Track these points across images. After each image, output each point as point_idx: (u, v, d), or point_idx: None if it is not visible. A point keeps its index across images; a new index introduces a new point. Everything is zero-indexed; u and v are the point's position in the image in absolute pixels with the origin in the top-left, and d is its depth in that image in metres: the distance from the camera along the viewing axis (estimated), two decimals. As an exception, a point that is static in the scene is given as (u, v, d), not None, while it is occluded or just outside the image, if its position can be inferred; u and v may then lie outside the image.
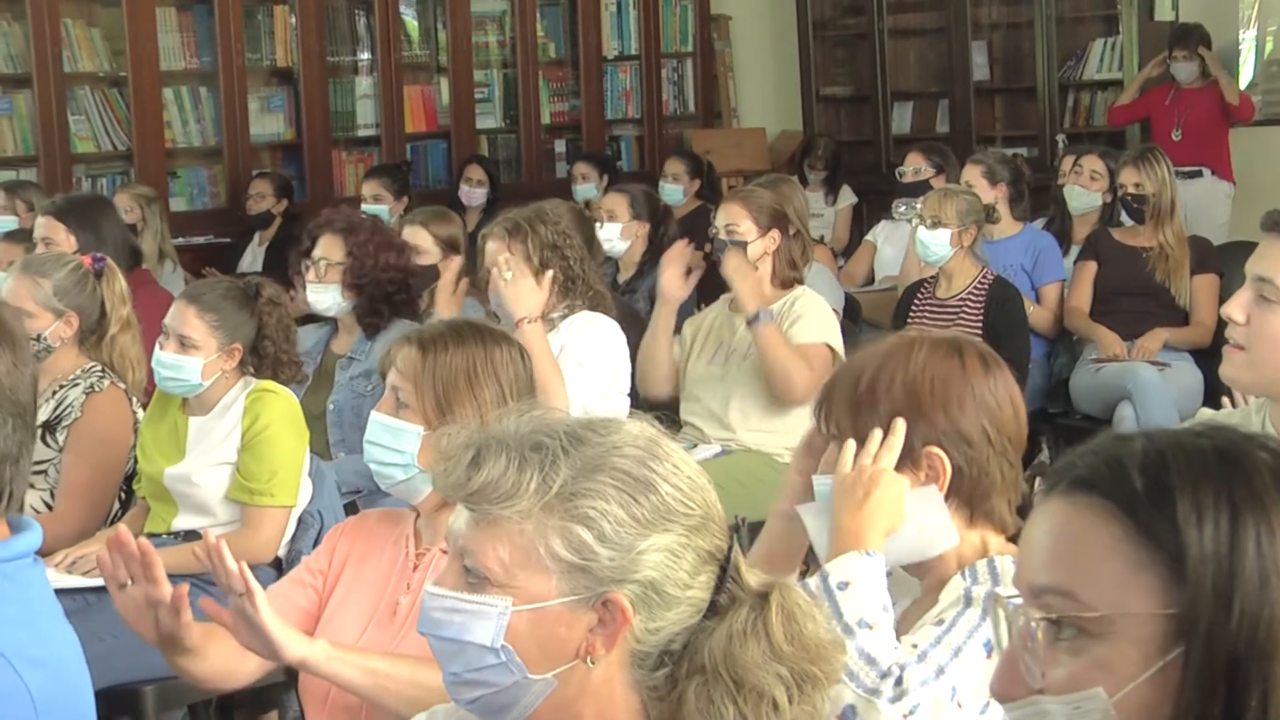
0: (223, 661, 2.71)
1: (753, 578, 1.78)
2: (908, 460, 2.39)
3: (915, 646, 2.29)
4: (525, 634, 1.72)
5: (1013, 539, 2.43)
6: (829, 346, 5.05)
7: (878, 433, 2.36)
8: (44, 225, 5.83)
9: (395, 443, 2.87)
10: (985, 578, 2.38)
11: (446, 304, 5.58)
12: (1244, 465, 1.32)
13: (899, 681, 2.22)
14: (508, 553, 1.71)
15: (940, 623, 2.32)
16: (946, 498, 2.40)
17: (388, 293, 5.02)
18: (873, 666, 2.22)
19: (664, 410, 5.39)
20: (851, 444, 2.38)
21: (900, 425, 2.34)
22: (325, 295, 5.04)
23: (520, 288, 4.74)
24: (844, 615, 2.24)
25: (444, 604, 1.74)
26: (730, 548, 1.78)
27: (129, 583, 2.56)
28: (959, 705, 2.25)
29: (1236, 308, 2.82)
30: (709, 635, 1.73)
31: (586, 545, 1.70)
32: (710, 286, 5.80)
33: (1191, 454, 1.33)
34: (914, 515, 2.37)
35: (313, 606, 2.92)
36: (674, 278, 5.26)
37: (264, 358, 4.24)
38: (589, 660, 1.72)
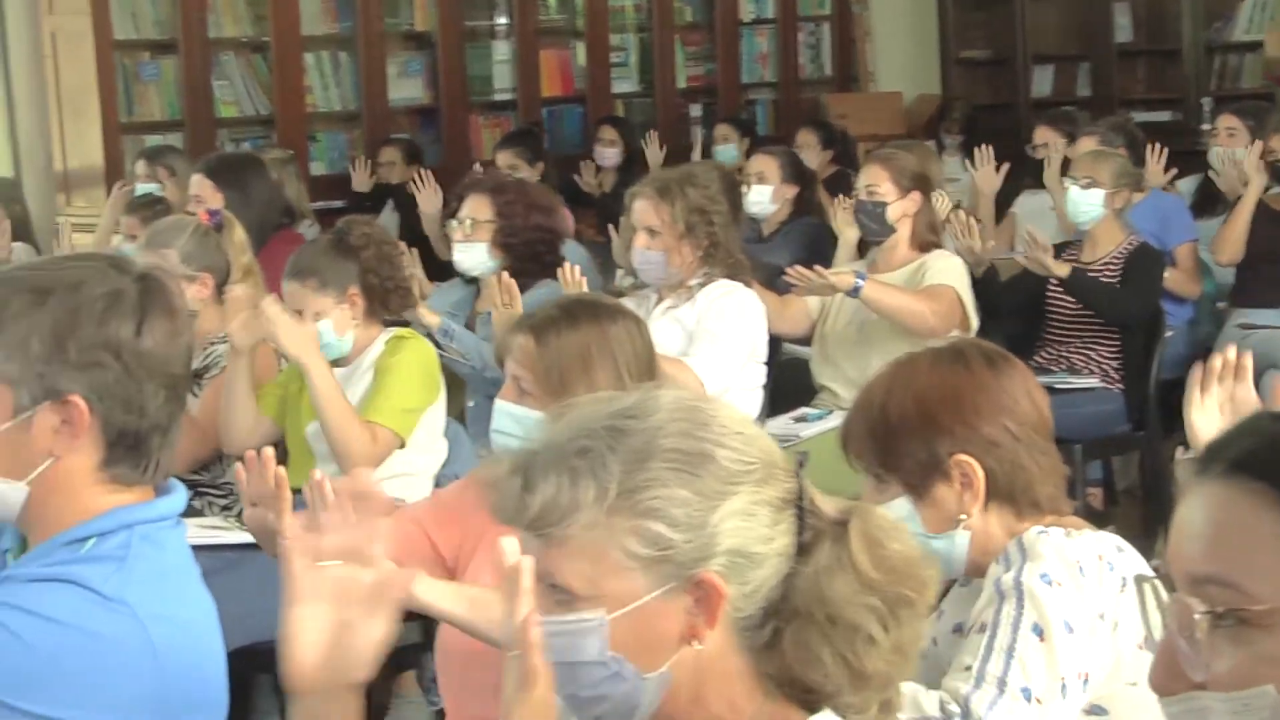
0: None
1: (829, 507, 1.74)
2: (938, 474, 2.38)
3: (969, 669, 2.27)
4: (627, 638, 1.69)
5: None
6: (957, 294, 5.06)
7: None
8: (196, 183, 5.98)
9: (521, 430, 2.87)
10: (1016, 558, 2.37)
11: None
12: None
13: (967, 716, 2.21)
14: (587, 565, 1.68)
15: (982, 629, 2.31)
16: (987, 500, 2.39)
17: (536, 252, 5.04)
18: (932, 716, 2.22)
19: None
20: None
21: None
22: (471, 253, 5.08)
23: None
24: None
25: (545, 630, 1.70)
26: (800, 486, 1.74)
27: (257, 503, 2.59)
28: (1039, 702, 2.24)
29: None
30: (799, 578, 1.71)
31: (661, 536, 1.67)
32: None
33: None
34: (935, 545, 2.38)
35: (431, 559, 2.92)
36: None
37: (372, 292, 4.29)
38: (695, 643, 1.70)
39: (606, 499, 1.67)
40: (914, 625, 1.73)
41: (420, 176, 7.32)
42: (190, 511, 2.16)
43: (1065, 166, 6.71)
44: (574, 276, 4.74)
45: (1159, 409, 5.86)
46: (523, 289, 4.95)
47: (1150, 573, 2.30)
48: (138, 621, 1.98)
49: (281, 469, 2.56)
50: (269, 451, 2.57)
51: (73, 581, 1.97)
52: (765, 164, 6.98)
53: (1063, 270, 5.75)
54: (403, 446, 4.25)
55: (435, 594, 2.62)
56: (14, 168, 8.55)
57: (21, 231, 7.14)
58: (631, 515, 1.67)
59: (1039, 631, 2.29)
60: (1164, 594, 1.34)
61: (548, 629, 1.69)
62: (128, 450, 2.06)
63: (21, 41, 8.52)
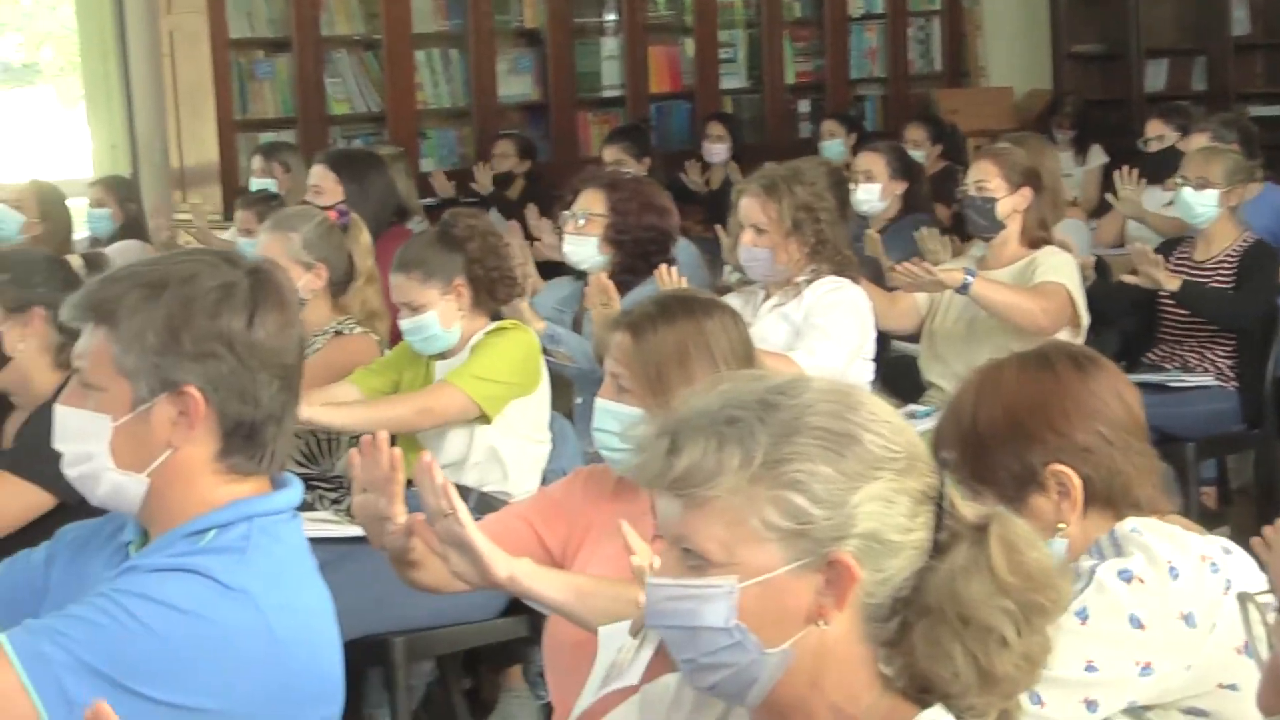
0: (442, 571, 2.73)
1: (970, 511, 1.75)
2: (1033, 485, 2.36)
3: None
4: (755, 609, 1.69)
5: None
6: (1068, 292, 5.01)
7: None
8: (316, 174, 6.03)
9: (621, 427, 2.88)
10: (1109, 551, 2.35)
11: None
12: None
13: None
14: (723, 531, 1.69)
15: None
16: (1085, 507, 2.36)
17: (646, 251, 5.05)
18: None
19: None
20: None
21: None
22: (582, 247, 5.10)
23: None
24: None
25: (669, 593, 1.73)
26: (942, 484, 1.75)
27: (369, 489, 2.61)
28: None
29: None
30: (933, 575, 1.71)
31: (800, 509, 1.68)
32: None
33: None
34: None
35: (537, 553, 2.93)
36: None
37: (478, 283, 4.32)
38: (821, 624, 1.71)
39: (750, 466, 1.69)
40: (1045, 634, 1.73)
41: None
42: (301, 505, 2.18)
43: (1174, 160, 6.61)
44: (671, 278, 4.75)
45: (1275, 407, 5.78)
46: (630, 287, 4.96)
47: (1261, 580, 2.27)
48: (259, 611, 2.01)
49: (397, 451, 2.58)
50: (384, 436, 2.59)
51: (196, 571, 2.00)
52: (872, 161, 6.94)
53: (1173, 285, 5.67)
54: (486, 420, 4.26)
55: (543, 582, 2.64)
56: (132, 165, 8.69)
57: (135, 229, 7.25)
58: (773, 485, 1.69)
59: (1082, 615, 2.27)
60: (1270, 614, 1.32)
61: (674, 591, 1.71)
62: (243, 441, 2.09)
63: (140, 41, 8.66)
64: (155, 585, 1.98)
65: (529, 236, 6.69)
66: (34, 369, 3.61)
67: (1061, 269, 5.14)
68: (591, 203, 5.09)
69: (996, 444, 2.37)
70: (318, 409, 3.97)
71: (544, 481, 4.32)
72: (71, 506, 3.08)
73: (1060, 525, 2.37)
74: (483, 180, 8.46)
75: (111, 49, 8.72)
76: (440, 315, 4.29)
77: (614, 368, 2.93)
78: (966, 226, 5.60)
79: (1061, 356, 2.45)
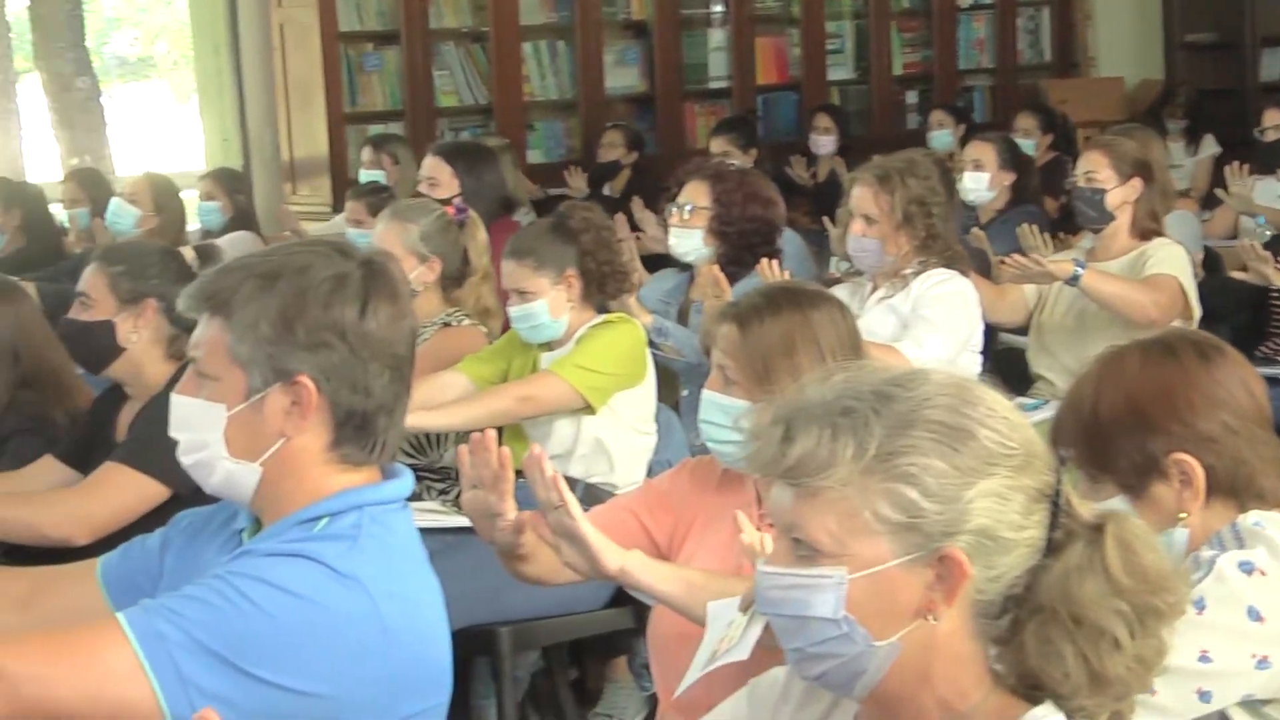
0: (550, 564, 2.74)
1: (1085, 510, 1.74)
2: (1155, 474, 2.32)
3: None
4: (864, 601, 1.69)
5: None
6: (1180, 285, 4.95)
7: None
8: (430, 165, 6.04)
9: (728, 419, 2.88)
10: (1230, 542, 2.32)
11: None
12: None
13: None
14: (835, 522, 1.69)
15: None
16: (1209, 496, 2.33)
17: (751, 243, 5.04)
18: None
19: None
20: None
21: None
22: (687, 240, 5.10)
23: None
24: None
25: (779, 581, 1.73)
26: (1058, 483, 1.73)
27: (479, 485, 2.62)
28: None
29: None
30: (1046, 573, 1.70)
31: (913, 503, 1.68)
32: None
33: None
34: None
35: (644, 545, 2.94)
36: None
37: (589, 275, 4.34)
38: (930, 618, 1.70)
39: (864, 458, 1.69)
40: (1160, 637, 1.72)
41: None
42: (409, 496, 2.20)
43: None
44: (774, 271, 4.73)
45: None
46: (736, 278, 4.95)
47: None
48: (370, 599, 2.03)
49: (505, 449, 2.59)
50: (492, 434, 2.60)
51: (309, 557, 2.03)
52: (982, 151, 6.88)
53: None
54: (590, 411, 4.27)
55: (653, 575, 2.65)
56: (243, 158, 8.79)
57: (245, 221, 7.33)
58: (886, 478, 1.68)
59: (1199, 605, 2.24)
60: None
61: (784, 580, 1.72)
62: (355, 431, 2.12)
63: (252, 34, 8.76)
64: (269, 568, 2.01)
65: (634, 229, 6.70)
66: (147, 360, 3.66)
67: (1173, 261, 5.08)
68: (696, 194, 5.09)
69: (1118, 432, 2.34)
70: (420, 414, 4.00)
71: (649, 473, 4.32)
72: (185, 496, 3.13)
73: (1181, 515, 2.35)
74: (575, 184, 8.47)
75: (224, 43, 8.82)
76: (549, 304, 4.31)
77: (720, 359, 2.93)
78: (1075, 218, 5.55)
79: (1186, 344, 2.42)
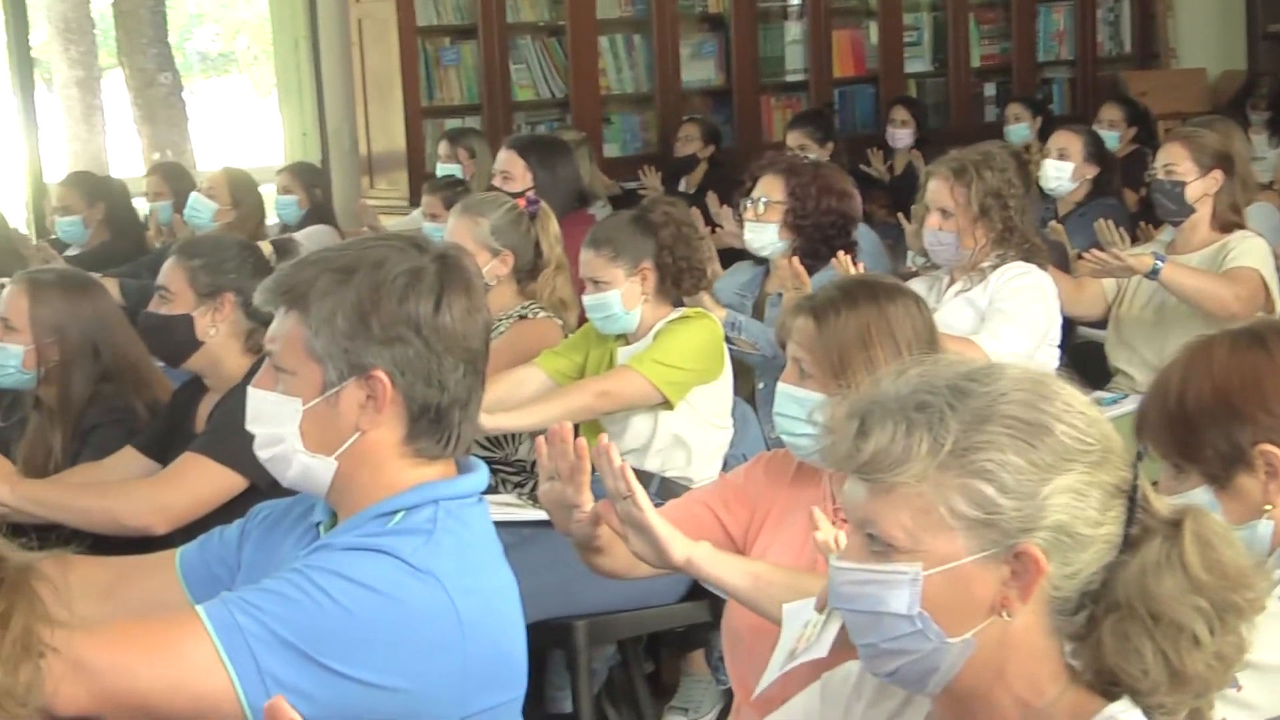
0: (626, 557, 2.74)
1: (1163, 506, 1.72)
2: (1241, 464, 2.29)
3: None
4: (939, 597, 1.68)
5: None
6: (1261, 278, 4.90)
7: None
8: (504, 159, 6.06)
9: (803, 413, 2.88)
10: None
11: None
12: None
13: None
14: (909, 517, 1.68)
15: None
16: None
17: (826, 235, 5.03)
18: None
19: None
20: None
21: None
22: (762, 233, 5.10)
23: None
24: None
25: (853, 577, 1.72)
26: (1135, 478, 1.72)
27: (556, 477, 2.63)
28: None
29: None
30: (1123, 570, 1.69)
31: (989, 499, 1.67)
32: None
33: None
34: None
35: (720, 538, 2.94)
36: None
37: (665, 270, 4.34)
38: (1005, 615, 1.69)
39: (939, 454, 1.68)
40: (1239, 634, 1.70)
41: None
42: (485, 489, 2.21)
43: None
44: (850, 265, 4.71)
45: None
46: (811, 271, 4.93)
47: None
48: (445, 593, 2.04)
49: (582, 441, 2.60)
50: (569, 425, 2.61)
51: (386, 552, 2.04)
52: (1069, 140, 6.81)
53: None
54: (668, 406, 4.27)
55: (721, 567, 2.64)
56: (322, 152, 8.85)
57: (322, 215, 7.38)
58: (962, 474, 1.67)
59: None
60: None
61: (858, 576, 1.71)
62: (430, 424, 2.12)
63: (331, 30, 8.81)
64: (347, 563, 2.02)
65: (710, 224, 6.69)
66: (225, 353, 3.70)
67: (1254, 253, 5.02)
68: (770, 188, 5.09)
69: (1204, 422, 2.32)
70: (500, 416, 4.01)
71: (725, 467, 4.32)
72: (263, 488, 3.15)
73: (1267, 506, 2.32)
74: (651, 182, 8.46)
75: (303, 38, 8.88)
76: (623, 296, 4.32)
77: (796, 352, 2.92)
78: (1155, 211, 5.50)
79: (1275, 334, 2.39)
